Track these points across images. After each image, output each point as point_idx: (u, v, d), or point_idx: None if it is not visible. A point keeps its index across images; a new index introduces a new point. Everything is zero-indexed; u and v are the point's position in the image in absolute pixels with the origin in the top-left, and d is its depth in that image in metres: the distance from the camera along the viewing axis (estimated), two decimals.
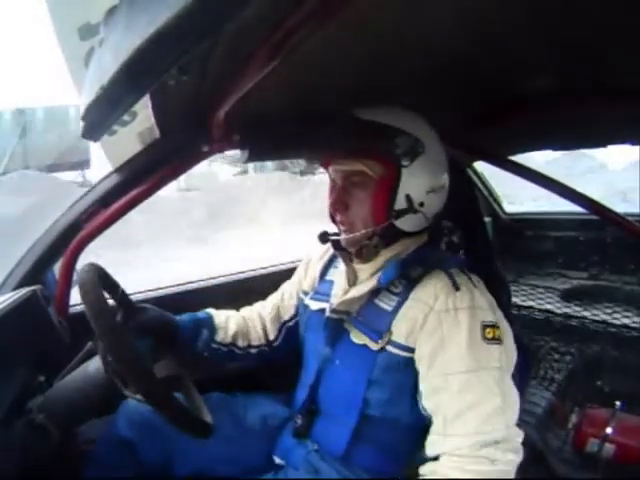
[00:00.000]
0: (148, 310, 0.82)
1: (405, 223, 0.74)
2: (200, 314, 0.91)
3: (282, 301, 0.98)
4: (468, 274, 0.73)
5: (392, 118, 0.72)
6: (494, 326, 0.67)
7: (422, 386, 0.68)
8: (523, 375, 1.26)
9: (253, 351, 0.95)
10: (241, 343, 0.93)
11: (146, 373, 0.56)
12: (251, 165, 8.59)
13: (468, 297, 0.68)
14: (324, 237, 0.82)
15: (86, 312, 0.55)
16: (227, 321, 0.92)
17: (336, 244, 0.81)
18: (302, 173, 9.38)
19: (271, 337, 0.96)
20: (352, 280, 0.81)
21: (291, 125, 0.81)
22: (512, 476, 0.61)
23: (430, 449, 0.64)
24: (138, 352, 0.56)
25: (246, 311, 1.00)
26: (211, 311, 0.93)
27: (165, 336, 0.82)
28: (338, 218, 0.77)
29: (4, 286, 0.85)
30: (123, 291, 0.77)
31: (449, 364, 0.65)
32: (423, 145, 0.72)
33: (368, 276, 0.78)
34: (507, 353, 0.67)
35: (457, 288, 0.68)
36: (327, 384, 0.79)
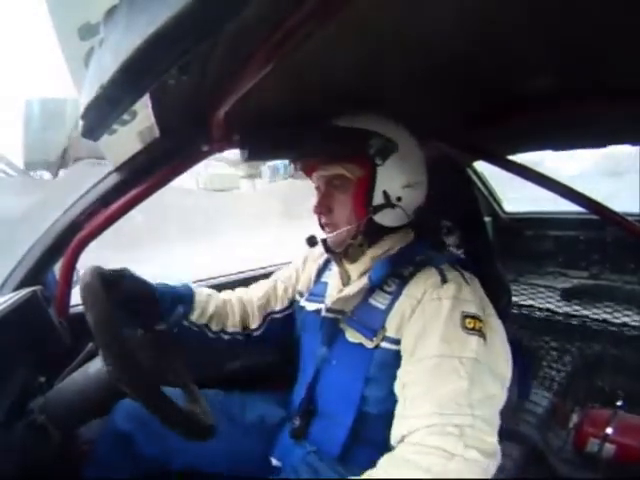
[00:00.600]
0: (127, 279, 0.77)
1: (384, 218, 0.77)
2: (181, 288, 0.89)
3: (274, 290, 0.99)
4: (460, 270, 0.74)
5: (366, 123, 0.76)
6: (476, 318, 0.66)
7: (398, 372, 0.68)
8: (525, 378, 1.27)
9: (225, 337, 0.94)
10: (215, 327, 0.92)
11: (151, 390, 0.55)
12: None
13: (454, 288, 0.69)
14: (312, 240, 0.84)
15: (89, 323, 0.54)
16: (207, 301, 0.91)
17: (327, 247, 0.83)
18: None
19: (253, 325, 0.96)
20: (345, 280, 0.83)
21: (290, 125, 0.81)
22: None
23: (392, 434, 0.63)
24: (143, 368, 0.56)
25: (227, 294, 0.98)
26: (193, 287, 0.92)
27: (146, 306, 0.79)
28: (323, 221, 0.81)
29: (4, 287, 0.85)
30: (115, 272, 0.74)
31: (423, 349, 0.65)
32: (396, 144, 0.76)
33: (358, 275, 0.80)
34: (490, 350, 0.64)
35: (445, 281, 0.70)
36: (324, 384, 0.79)
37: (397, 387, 0.66)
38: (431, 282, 0.71)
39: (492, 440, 0.57)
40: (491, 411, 0.60)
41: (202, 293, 0.92)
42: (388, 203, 0.76)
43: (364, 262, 0.80)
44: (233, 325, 0.94)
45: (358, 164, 0.76)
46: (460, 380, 0.59)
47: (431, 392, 0.60)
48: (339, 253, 0.82)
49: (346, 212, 0.78)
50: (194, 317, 0.89)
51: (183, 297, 0.88)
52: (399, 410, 0.63)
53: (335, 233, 0.79)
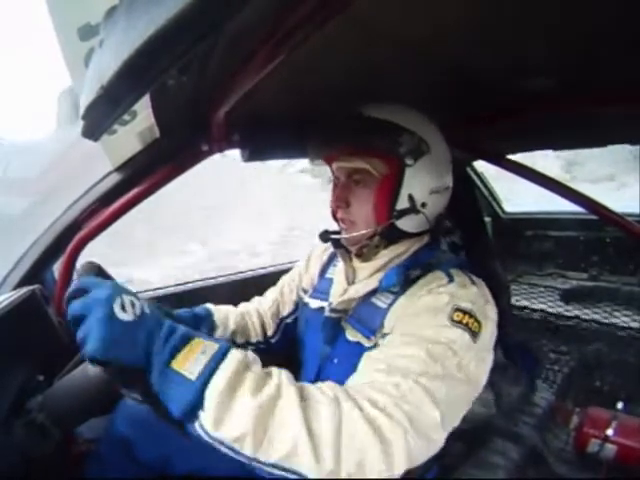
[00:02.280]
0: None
1: (406, 224, 0.73)
2: (199, 310, 0.90)
3: (282, 296, 0.98)
4: (468, 274, 0.71)
5: (397, 116, 0.71)
6: (469, 314, 0.61)
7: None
8: (532, 373, 1.26)
9: (251, 348, 0.94)
10: (239, 340, 0.92)
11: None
12: None
13: (457, 286, 0.65)
14: (325, 236, 0.81)
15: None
16: (226, 318, 0.92)
17: (336, 242, 0.81)
18: None
19: (269, 332, 0.96)
20: (351, 278, 0.81)
21: (291, 123, 0.81)
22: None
23: None
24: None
25: (244, 307, 0.99)
26: (210, 307, 0.92)
27: None
28: (339, 215, 0.76)
29: (3, 285, 0.85)
30: None
31: (402, 327, 0.63)
32: (428, 145, 0.71)
33: (368, 275, 0.77)
34: (473, 349, 0.59)
35: (451, 281, 0.67)
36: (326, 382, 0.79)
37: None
38: (437, 282, 0.67)
39: (433, 415, 0.51)
40: (444, 393, 0.54)
41: (220, 310, 0.93)
42: (413, 208, 0.71)
43: (377, 263, 0.77)
44: (255, 335, 0.95)
45: (385, 161, 0.70)
46: (421, 354, 0.56)
47: (388, 359, 0.57)
48: (350, 251, 0.80)
49: (365, 210, 0.73)
50: (218, 334, 0.89)
51: (203, 318, 0.88)
52: (354, 375, 0.60)
53: (353, 234, 0.74)
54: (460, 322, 0.60)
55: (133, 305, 0.49)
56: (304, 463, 0.45)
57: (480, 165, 1.74)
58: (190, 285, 1.30)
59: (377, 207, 0.72)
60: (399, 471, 0.48)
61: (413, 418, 0.50)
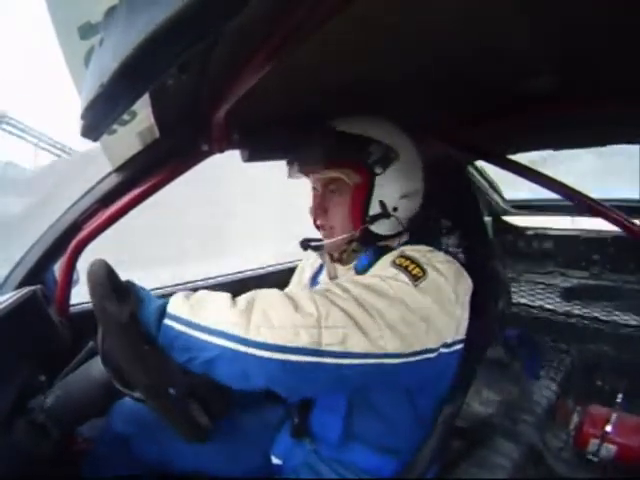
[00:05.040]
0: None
1: (380, 227, 0.77)
2: None
3: None
4: (449, 252, 0.75)
5: (366, 128, 0.75)
6: (410, 259, 0.64)
7: None
8: (534, 361, 1.26)
9: None
10: None
11: (154, 388, 0.55)
12: None
13: (412, 247, 0.71)
14: (305, 244, 0.85)
15: (93, 307, 0.54)
16: None
17: (317, 247, 0.84)
18: None
19: None
20: (333, 274, 0.85)
21: (290, 125, 0.81)
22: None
23: None
24: (143, 352, 0.55)
25: None
26: None
27: None
28: (319, 222, 0.81)
29: (5, 286, 0.85)
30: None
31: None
32: (396, 152, 0.75)
33: (345, 269, 0.82)
34: (411, 289, 0.60)
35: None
36: None
37: None
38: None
39: (344, 296, 0.56)
40: (364, 295, 0.57)
41: None
42: (384, 213, 0.76)
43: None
44: None
45: (356, 171, 0.75)
46: (350, 282, 0.60)
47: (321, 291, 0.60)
48: (331, 255, 0.84)
49: (341, 216, 0.78)
50: None
51: None
52: None
53: (331, 241, 0.79)
54: (400, 265, 0.64)
55: None
56: (223, 314, 0.53)
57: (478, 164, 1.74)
58: (190, 285, 1.30)
59: (351, 213, 0.77)
60: (300, 319, 0.52)
61: (325, 294, 0.56)
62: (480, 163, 1.77)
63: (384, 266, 0.67)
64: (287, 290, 0.58)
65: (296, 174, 0.83)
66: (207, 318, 0.53)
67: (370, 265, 0.74)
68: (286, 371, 0.51)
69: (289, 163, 0.83)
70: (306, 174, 0.83)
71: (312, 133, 0.79)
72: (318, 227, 0.83)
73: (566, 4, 0.50)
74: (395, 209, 0.77)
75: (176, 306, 0.55)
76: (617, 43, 0.59)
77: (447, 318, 0.64)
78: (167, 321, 0.54)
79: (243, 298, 0.56)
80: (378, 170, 0.74)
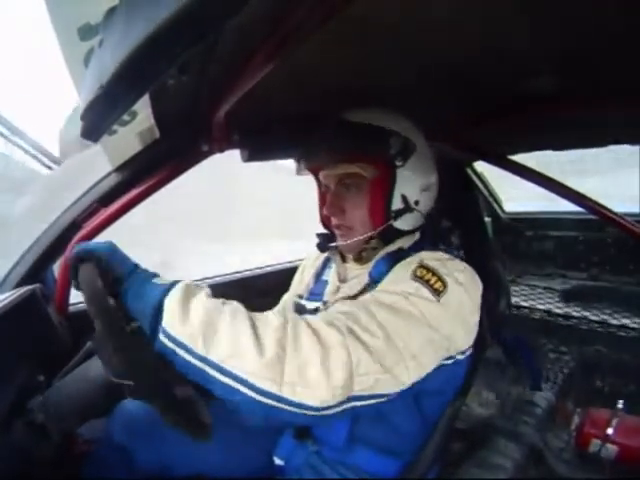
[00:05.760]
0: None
1: (403, 223, 0.74)
2: None
3: (284, 311, 0.97)
4: (457, 256, 0.72)
5: (383, 119, 0.72)
6: (431, 271, 0.62)
7: None
8: (535, 371, 1.26)
9: None
10: None
11: (154, 387, 0.55)
12: None
13: (429, 253, 0.69)
14: (323, 246, 0.81)
15: (89, 313, 0.54)
16: None
17: (332, 248, 0.81)
18: None
19: None
20: (342, 275, 0.81)
21: (291, 123, 0.81)
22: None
23: None
24: (143, 356, 0.55)
25: None
26: None
27: None
28: (334, 223, 0.76)
29: (4, 285, 0.85)
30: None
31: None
32: (414, 145, 0.73)
33: (357, 270, 0.79)
34: (434, 305, 0.59)
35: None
36: None
37: None
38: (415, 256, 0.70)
39: (373, 329, 0.55)
40: (392, 321, 0.56)
41: None
42: (408, 208, 0.73)
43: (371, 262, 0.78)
44: None
45: (376, 164, 0.71)
46: (372, 297, 0.60)
47: (347, 305, 0.60)
48: (345, 255, 0.81)
49: (361, 214, 0.73)
50: None
51: None
52: None
53: (351, 241, 0.74)
54: (421, 277, 0.62)
55: None
56: (248, 359, 0.47)
57: (479, 164, 1.74)
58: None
59: (373, 210, 0.73)
60: (336, 377, 0.50)
61: (353, 329, 0.53)
62: (480, 169, 1.77)
63: (404, 277, 0.64)
64: (315, 325, 0.53)
65: (304, 171, 0.79)
66: (225, 358, 0.47)
67: (387, 271, 0.71)
68: (315, 419, 0.51)
69: (298, 159, 0.78)
70: (316, 171, 0.79)
71: (324, 126, 0.74)
72: (329, 227, 0.79)
73: (566, 4, 0.50)
74: (417, 202, 0.74)
75: (173, 322, 0.49)
76: (617, 43, 0.59)
77: (467, 329, 0.65)
78: (163, 338, 0.49)
79: (270, 342, 0.49)
80: (399, 162, 0.71)
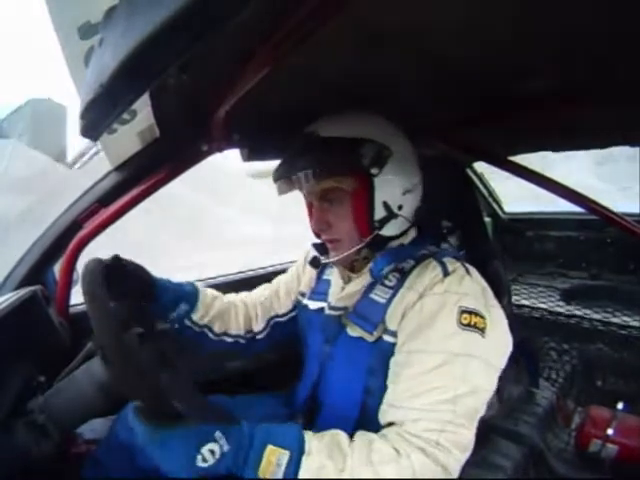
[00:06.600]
0: (128, 271, 0.76)
1: (389, 230, 0.74)
2: (187, 286, 0.88)
3: (277, 293, 0.98)
4: (462, 262, 0.72)
5: (355, 128, 0.71)
6: (474, 313, 0.64)
7: (391, 361, 0.68)
8: (533, 370, 1.26)
9: (228, 340, 0.93)
10: (218, 328, 0.91)
11: (152, 391, 0.55)
12: None
13: (455, 282, 0.67)
14: (316, 262, 0.82)
15: (91, 322, 0.54)
16: (212, 302, 0.91)
17: (321, 258, 0.82)
18: None
19: (256, 328, 0.95)
20: (347, 278, 0.82)
21: (291, 123, 0.81)
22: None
23: (380, 416, 0.65)
24: (145, 372, 0.55)
25: (232, 297, 0.98)
26: (199, 287, 0.91)
27: (143, 299, 0.79)
28: (323, 237, 0.77)
29: (4, 286, 0.85)
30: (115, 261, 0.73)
31: (417, 342, 0.65)
32: (389, 149, 0.71)
33: (360, 272, 0.79)
34: (487, 343, 0.64)
35: (446, 274, 0.68)
36: (328, 380, 0.79)
37: (390, 375, 0.67)
38: (432, 275, 0.69)
39: (468, 433, 0.60)
40: (474, 404, 0.62)
41: (207, 294, 0.91)
42: (391, 214, 0.73)
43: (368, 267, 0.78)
44: (237, 328, 0.94)
45: (352, 176, 0.71)
46: (448, 376, 0.60)
47: (419, 386, 0.61)
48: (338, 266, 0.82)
49: (346, 225, 0.74)
50: (197, 317, 0.88)
51: (188, 295, 0.87)
52: (389, 397, 0.65)
53: (342, 256, 0.75)
54: (469, 325, 0.63)
55: (213, 452, 0.53)
56: None
57: (479, 165, 1.74)
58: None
59: (357, 222, 0.73)
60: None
61: (457, 441, 0.58)
62: (480, 169, 1.77)
63: (450, 321, 0.63)
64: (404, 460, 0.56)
65: (286, 191, 0.77)
66: None
67: (385, 268, 0.73)
68: None
69: (276, 180, 0.77)
70: (297, 188, 0.78)
71: (293, 143, 0.74)
72: (323, 243, 0.80)
73: (566, 5, 0.50)
74: (400, 207, 0.74)
75: None
76: (617, 44, 0.59)
77: (504, 347, 0.68)
78: None
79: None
80: (374, 171, 0.70)
